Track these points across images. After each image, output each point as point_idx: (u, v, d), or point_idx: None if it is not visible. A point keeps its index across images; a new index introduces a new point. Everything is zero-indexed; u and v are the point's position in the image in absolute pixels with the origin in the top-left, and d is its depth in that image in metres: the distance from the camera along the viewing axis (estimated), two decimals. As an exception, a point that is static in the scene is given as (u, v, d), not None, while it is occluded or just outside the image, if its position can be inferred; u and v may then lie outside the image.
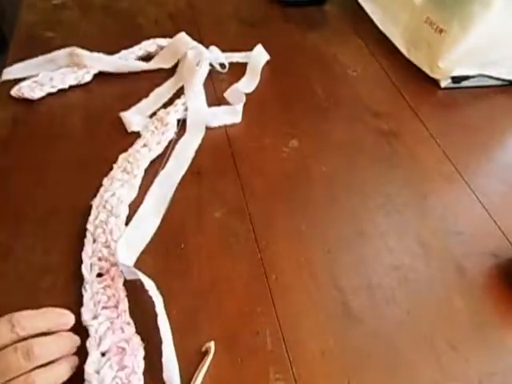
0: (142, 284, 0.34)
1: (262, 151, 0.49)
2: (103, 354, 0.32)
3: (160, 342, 0.32)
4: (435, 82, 0.59)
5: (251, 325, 0.35)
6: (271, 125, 0.52)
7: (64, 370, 0.30)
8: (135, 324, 0.34)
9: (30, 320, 0.29)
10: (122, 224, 0.40)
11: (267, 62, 0.60)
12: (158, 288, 0.34)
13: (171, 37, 0.58)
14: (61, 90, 0.53)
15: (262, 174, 0.46)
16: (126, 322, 0.34)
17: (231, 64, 0.58)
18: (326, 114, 0.54)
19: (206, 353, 0.33)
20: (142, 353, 0.32)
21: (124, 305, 0.35)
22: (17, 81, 0.52)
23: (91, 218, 0.40)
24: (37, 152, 0.47)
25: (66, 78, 0.53)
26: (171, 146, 0.48)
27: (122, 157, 0.46)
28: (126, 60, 0.56)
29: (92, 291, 0.35)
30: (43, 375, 0.28)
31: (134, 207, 0.41)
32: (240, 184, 0.45)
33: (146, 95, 0.53)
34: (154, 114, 0.51)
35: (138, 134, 0.48)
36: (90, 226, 0.39)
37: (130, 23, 0.65)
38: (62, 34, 0.61)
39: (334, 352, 0.34)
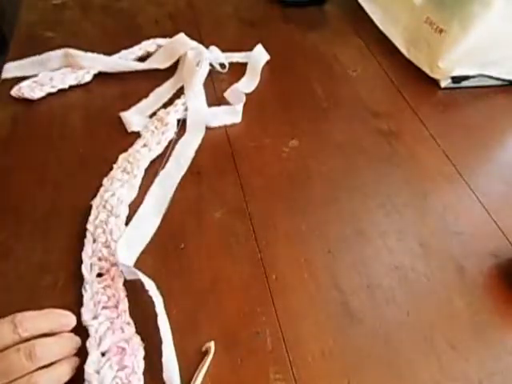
0: (142, 284, 0.34)
1: (262, 151, 0.49)
2: (103, 354, 0.32)
3: (160, 341, 0.32)
4: (435, 82, 0.59)
5: (251, 325, 0.35)
6: (271, 125, 0.52)
7: (66, 370, 0.30)
8: (135, 324, 0.34)
9: (32, 321, 0.29)
10: (122, 224, 0.40)
11: (267, 62, 0.60)
12: (158, 288, 0.34)
13: (171, 37, 0.58)
14: (61, 90, 0.53)
15: (261, 173, 0.46)
16: (125, 322, 0.34)
17: (231, 64, 0.58)
18: (325, 113, 0.54)
19: (206, 353, 0.33)
20: (142, 353, 0.32)
21: (124, 305, 0.35)
22: (17, 81, 0.52)
23: (91, 218, 0.40)
24: (37, 152, 0.47)
25: (66, 77, 0.53)
26: (171, 145, 0.48)
27: (121, 157, 0.46)
28: (126, 60, 0.56)
29: (92, 291, 0.35)
30: (46, 376, 0.28)
31: (134, 207, 0.41)
32: (240, 184, 0.45)
33: (146, 95, 0.53)
34: (154, 114, 0.51)
35: (137, 134, 0.48)
36: (90, 226, 0.39)
37: (129, 23, 0.65)
38: (62, 34, 0.61)
39: (334, 352, 0.34)
